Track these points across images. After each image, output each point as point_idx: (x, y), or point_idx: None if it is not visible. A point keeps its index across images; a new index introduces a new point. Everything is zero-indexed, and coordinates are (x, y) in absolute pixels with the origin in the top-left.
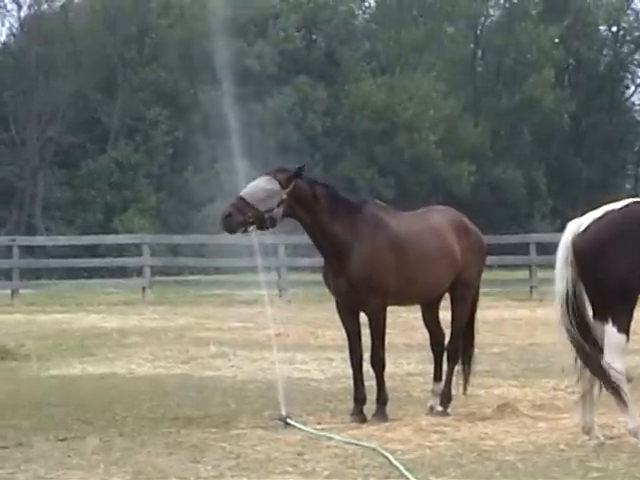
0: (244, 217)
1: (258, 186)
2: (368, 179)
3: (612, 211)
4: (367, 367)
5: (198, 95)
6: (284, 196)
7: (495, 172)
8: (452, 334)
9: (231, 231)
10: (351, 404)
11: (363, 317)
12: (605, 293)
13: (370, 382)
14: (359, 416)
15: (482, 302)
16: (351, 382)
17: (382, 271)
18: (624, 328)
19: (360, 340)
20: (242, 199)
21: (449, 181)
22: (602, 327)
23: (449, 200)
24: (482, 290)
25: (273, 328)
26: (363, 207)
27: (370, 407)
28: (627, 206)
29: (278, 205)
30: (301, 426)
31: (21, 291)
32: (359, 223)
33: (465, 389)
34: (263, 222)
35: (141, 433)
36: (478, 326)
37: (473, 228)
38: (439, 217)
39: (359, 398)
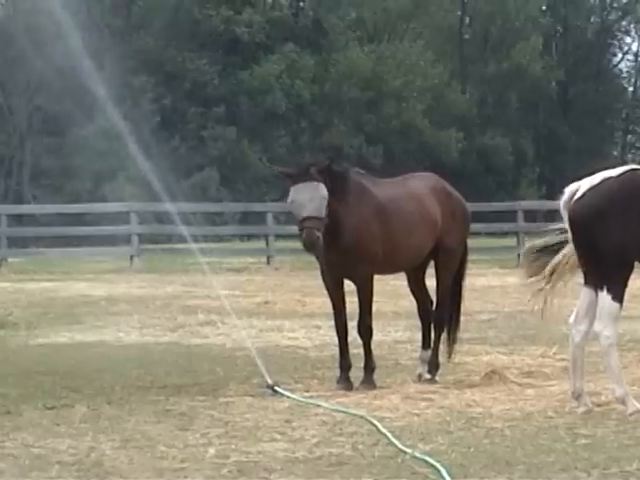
0: (321, 232)
1: (316, 197)
2: (356, 147)
3: (609, 178)
4: (354, 335)
5: (185, 63)
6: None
7: (482, 139)
8: (438, 301)
9: (317, 251)
10: (338, 372)
11: (348, 285)
12: (601, 260)
13: (358, 350)
14: (346, 383)
15: (470, 269)
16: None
17: (370, 239)
18: (619, 296)
19: (345, 308)
20: (316, 218)
21: (437, 148)
22: (594, 294)
23: (437, 167)
24: (470, 257)
25: (224, 298)
26: (348, 176)
27: (358, 375)
28: (624, 173)
29: (327, 206)
30: (289, 394)
31: (9, 259)
32: (346, 192)
33: (450, 356)
34: (325, 223)
35: (129, 401)
36: (465, 294)
37: (455, 194)
38: (419, 183)
39: (345, 365)
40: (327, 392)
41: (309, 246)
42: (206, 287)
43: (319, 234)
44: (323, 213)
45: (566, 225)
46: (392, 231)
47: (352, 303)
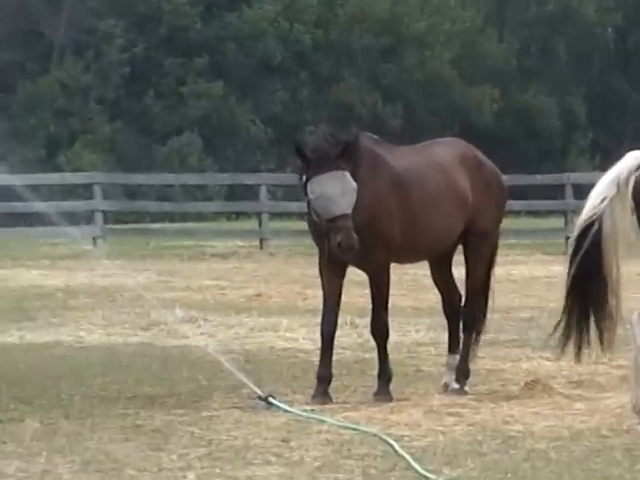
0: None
1: (347, 190)
2: (370, 106)
3: None
4: (367, 335)
5: (161, 3)
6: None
7: (523, 97)
8: (467, 296)
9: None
10: (348, 379)
11: (358, 274)
12: None
13: (371, 354)
14: (322, 398)
15: (508, 256)
16: (348, 353)
17: (386, 218)
18: None
19: (338, 306)
20: (348, 215)
21: (467, 108)
22: None
23: (467, 131)
24: (508, 242)
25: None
26: (357, 143)
27: (371, 384)
28: None
29: None
30: (287, 407)
31: None
32: (355, 163)
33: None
34: None
35: (92, 415)
36: (495, 285)
37: (488, 164)
38: (445, 151)
39: (324, 376)
40: (333, 405)
41: (347, 251)
42: (185, 276)
43: (355, 235)
44: (353, 207)
45: (601, 200)
46: (413, 208)
47: (363, 297)
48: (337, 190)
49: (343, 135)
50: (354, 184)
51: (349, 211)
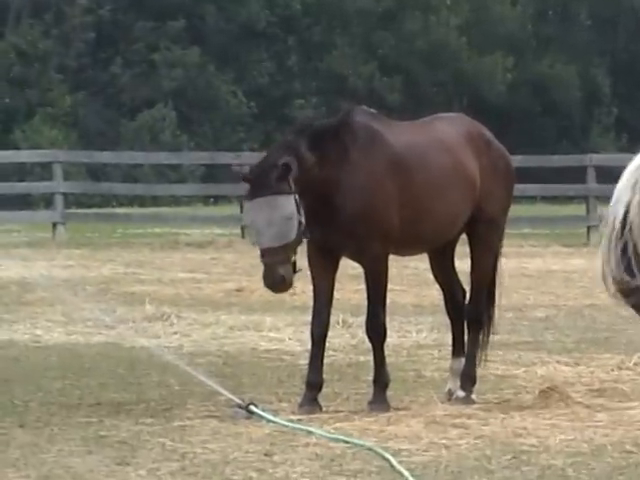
0: (291, 264)
1: (275, 218)
2: (366, 77)
3: None
4: (361, 336)
5: None
6: (296, 197)
7: (540, 68)
8: (473, 291)
9: (289, 289)
10: (340, 386)
11: (354, 267)
12: None
13: (366, 357)
14: (311, 406)
15: (522, 247)
16: (340, 355)
17: (383, 204)
18: None
19: (331, 303)
20: (277, 249)
21: (477, 80)
22: None
23: (477, 105)
24: (522, 231)
25: None
26: (349, 118)
27: (366, 391)
28: None
29: (298, 211)
30: (270, 416)
31: None
32: (346, 141)
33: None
34: (301, 242)
35: (50, 424)
36: (507, 280)
37: (496, 143)
38: (450, 128)
39: (313, 382)
40: (322, 414)
41: (271, 287)
42: (157, 268)
43: (284, 271)
44: (291, 236)
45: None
46: (414, 193)
47: (358, 293)
48: (262, 220)
49: (321, 125)
50: (288, 211)
51: (276, 243)
